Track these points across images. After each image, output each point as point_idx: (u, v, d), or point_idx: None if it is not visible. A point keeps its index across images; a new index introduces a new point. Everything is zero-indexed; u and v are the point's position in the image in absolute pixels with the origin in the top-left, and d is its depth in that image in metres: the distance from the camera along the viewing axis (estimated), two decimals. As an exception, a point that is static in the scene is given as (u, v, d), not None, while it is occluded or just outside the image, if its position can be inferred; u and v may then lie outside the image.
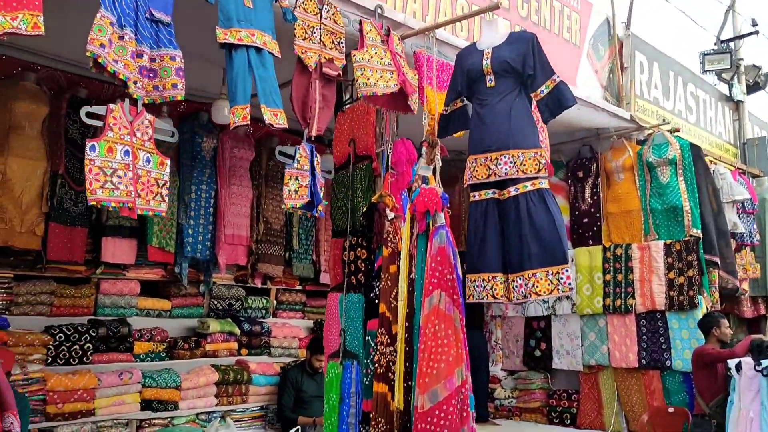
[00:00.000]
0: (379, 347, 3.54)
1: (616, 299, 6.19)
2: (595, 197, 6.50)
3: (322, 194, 3.61)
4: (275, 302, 6.45)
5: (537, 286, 3.55)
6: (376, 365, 3.52)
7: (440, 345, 3.40)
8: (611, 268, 6.27)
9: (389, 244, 3.74)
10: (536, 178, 3.54)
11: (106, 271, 5.20)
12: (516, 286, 3.61)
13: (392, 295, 3.63)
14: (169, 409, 4.94)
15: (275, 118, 3.35)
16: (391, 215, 3.79)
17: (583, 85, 5.56)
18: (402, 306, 3.57)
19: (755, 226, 7.26)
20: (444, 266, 3.51)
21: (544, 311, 6.84)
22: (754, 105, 9.32)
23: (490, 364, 7.28)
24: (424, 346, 3.40)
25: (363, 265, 3.97)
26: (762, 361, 4.47)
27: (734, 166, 7.46)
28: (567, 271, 3.54)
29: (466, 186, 3.92)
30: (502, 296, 3.68)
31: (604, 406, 6.25)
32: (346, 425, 3.75)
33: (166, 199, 3.18)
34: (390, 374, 3.50)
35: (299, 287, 6.57)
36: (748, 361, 4.54)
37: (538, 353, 6.90)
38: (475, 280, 3.84)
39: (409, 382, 3.52)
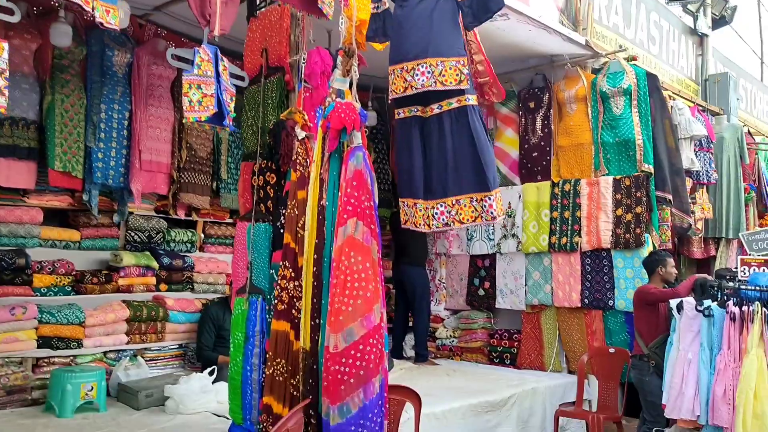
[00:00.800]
0: (280, 281, 3.16)
1: (562, 237, 5.91)
2: (546, 130, 6.12)
3: (232, 105, 3.13)
4: (202, 236, 6.01)
5: (460, 214, 3.19)
6: (277, 301, 3.14)
7: (357, 279, 3.04)
8: (559, 205, 5.97)
9: (298, 167, 3.31)
10: (462, 94, 3.11)
11: (2, 196, 4.68)
12: (436, 214, 3.24)
13: (299, 224, 3.22)
14: (71, 347, 4.54)
15: (106, 15, 2.81)
16: (301, 134, 3.35)
17: (536, 3, 5.07)
18: (310, 236, 3.18)
19: (712, 165, 7.00)
20: (361, 192, 3.12)
21: (489, 249, 6.56)
22: (719, 40, 8.95)
23: (433, 303, 7.03)
24: (338, 281, 3.03)
25: (272, 191, 3.54)
26: (704, 302, 4.24)
27: (694, 102, 7.13)
28: (490, 198, 3.18)
29: (390, 102, 3.49)
30: (422, 224, 3.31)
31: (545, 346, 6.05)
32: (249, 366, 3.41)
33: (6, 92, 2.66)
34: (293, 311, 3.13)
35: (229, 220, 6.14)
36: (689, 301, 4.30)
37: (481, 292, 6.65)
38: (404, 204, 3.46)
39: (317, 320, 3.16)
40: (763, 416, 3.76)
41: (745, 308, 4.05)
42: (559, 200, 5.97)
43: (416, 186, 3.30)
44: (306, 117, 3.37)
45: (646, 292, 4.78)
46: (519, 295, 6.27)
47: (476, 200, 3.16)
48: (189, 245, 5.80)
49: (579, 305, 5.79)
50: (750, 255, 4.89)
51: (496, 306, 6.49)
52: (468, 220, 3.19)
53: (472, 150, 3.12)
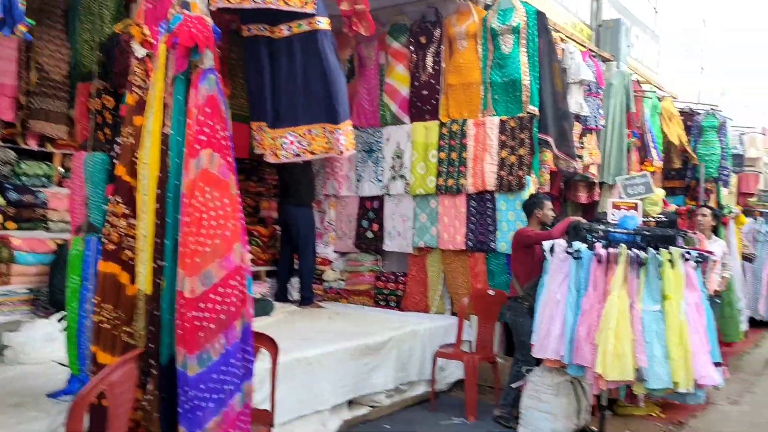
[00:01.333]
0: (110, 218, 2.81)
1: (449, 179, 5.80)
2: (437, 67, 5.91)
3: (23, 7, 2.66)
4: (61, 169, 5.45)
5: (312, 144, 2.94)
6: (105, 240, 2.79)
7: (214, 217, 2.75)
8: (446, 146, 5.84)
9: (135, 89, 2.92)
10: (311, 15, 2.81)
11: None
12: (285, 143, 2.97)
13: (135, 155, 2.86)
14: None
15: None
16: (140, 52, 2.94)
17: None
18: (152, 169, 2.83)
19: (600, 111, 7.07)
20: (215, 120, 2.80)
21: (378, 191, 6.38)
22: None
23: (322, 246, 6.83)
24: (191, 219, 2.72)
25: (110, 116, 3.13)
26: (574, 243, 4.26)
27: (585, 47, 7.12)
28: (339, 131, 2.94)
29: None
30: (269, 152, 3.03)
31: (430, 288, 6.02)
32: (84, 312, 3.07)
33: None
34: (125, 252, 2.80)
35: (93, 153, 5.58)
36: (561, 243, 4.31)
37: (370, 234, 6.51)
38: (253, 128, 3.16)
39: (159, 262, 2.85)
40: (622, 356, 3.84)
41: (611, 250, 4.09)
42: (446, 141, 5.83)
43: (265, 109, 3.02)
44: (147, 32, 2.96)
45: (522, 234, 4.76)
46: (406, 238, 6.18)
47: (328, 131, 2.91)
48: (45, 179, 5.24)
49: (463, 248, 5.76)
50: (622, 198, 4.97)
51: (384, 248, 6.38)
52: (320, 151, 2.95)
53: (322, 78, 2.87)
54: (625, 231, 4.29)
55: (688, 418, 5.01)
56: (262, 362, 3.25)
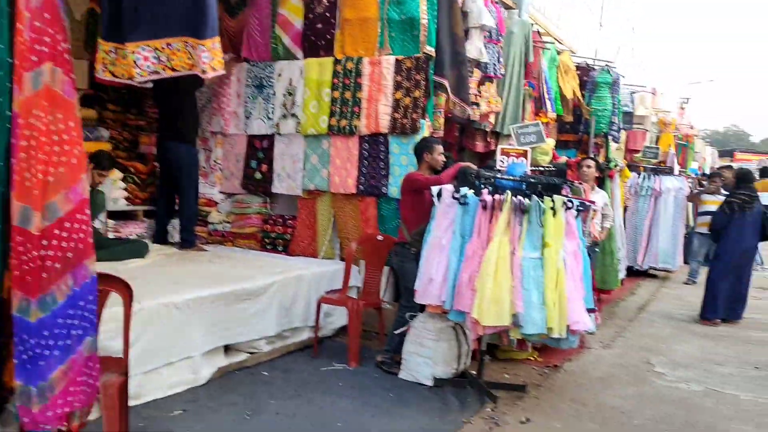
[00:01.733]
0: None
1: (342, 119, 5.56)
2: (333, -1, 5.57)
3: None
4: None
5: (172, 60, 2.60)
6: None
7: (58, 142, 2.36)
8: (341, 84, 5.56)
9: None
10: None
11: None
12: (139, 59, 2.61)
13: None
14: None
15: None
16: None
17: None
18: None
19: (500, 59, 7.01)
20: (55, 29, 2.37)
21: (268, 129, 6.04)
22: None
23: (208, 186, 6.44)
24: (29, 144, 2.32)
25: None
26: (461, 189, 4.18)
27: (489, -8, 6.97)
28: (204, 48, 2.62)
29: None
30: (123, 75, 2.67)
31: (319, 233, 5.83)
32: None
33: None
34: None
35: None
36: (448, 188, 4.22)
37: (258, 176, 6.19)
38: (102, 48, 2.76)
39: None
40: (500, 302, 3.84)
41: (497, 197, 4.04)
42: (341, 79, 5.55)
43: (118, 23, 2.62)
44: None
45: (410, 178, 4.64)
46: (296, 180, 5.91)
47: (191, 45, 2.58)
48: None
49: (354, 192, 5.58)
50: (512, 145, 4.94)
51: (273, 190, 6.09)
52: (182, 67, 2.62)
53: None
54: (512, 178, 4.25)
55: (563, 362, 5.19)
56: (118, 307, 2.95)
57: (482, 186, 4.22)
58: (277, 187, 6.02)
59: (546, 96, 7.77)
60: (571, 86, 8.74)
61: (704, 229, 9.04)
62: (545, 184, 4.22)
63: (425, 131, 5.29)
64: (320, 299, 4.93)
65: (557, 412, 4.08)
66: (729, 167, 10.04)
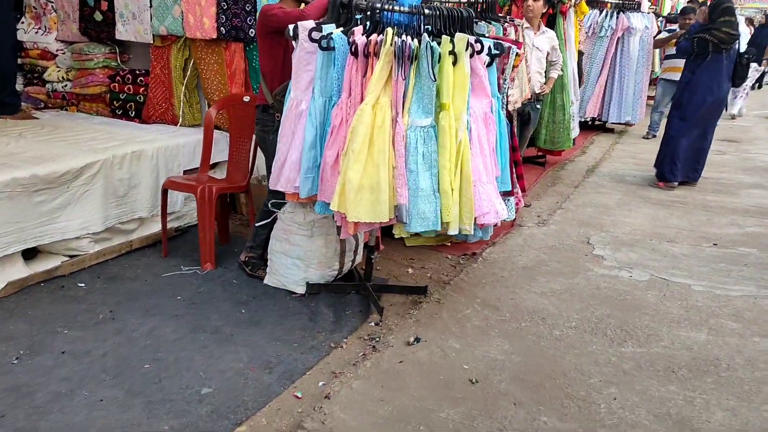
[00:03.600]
0: None
1: (189, -68, 4.01)
2: None
3: None
4: None
5: None
6: None
7: None
8: None
9: None
10: None
11: None
12: None
13: None
14: None
15: None
16: None
17: None
18: None
19: None
20: None
21: (101, -50, 4.45)
22: None
23: (42, 33, 4.94)
24: None
25: None
26: (325, 27, 2.88)
27: None
28: None
29: None
30: None
31: (175, 93, 4.50)
32: None
33: None
34: None
35: None
36: (306, 26, 2.91)
37: (99, 16, 4.70)
38: None
39: None
40: (375, 189, 2.72)
41: (374, 38, 2.76)
42: None
43: None
44: None
45: (266, 14, 3.27)
46: (143, 21, 4.45)
47: None
48: None
49: (215, 36, 4.18)
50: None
51: (117, 36, 4.63)
52: None
53: None
54: (401, 10, 2.93)
55: (484, 247, 4.23)
56: None
57: (357, 22, 2.92)
58: (122, 32, 4.57)
59: None
60: None
61: (670, 75, 7.89)
62: (450, 16, 2.94)
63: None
64: (165, 183, 3.75)
65: (459, 324, 3.14)
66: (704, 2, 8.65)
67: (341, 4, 2.96)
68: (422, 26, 2.91)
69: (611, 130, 9.15)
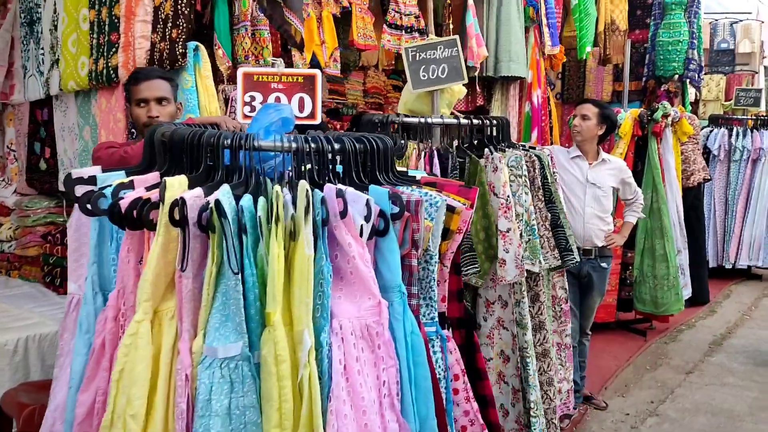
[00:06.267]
0: None
1: (100, 58, 3.18)
2: None
3: None
4: None
5: None
6: None
7: None
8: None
9: None
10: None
11: None
12: None
13: None
14: None
15: None
16: None
17: None
18: None
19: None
20: None
21: (42, 90, 3.77)
22: None
23: (2, 186, 4.35)
24: None
25: None
26: (105, 176, 1.71)
27: None
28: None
29: None
30: None
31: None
32: None
33: None
34: None
35: None
36: (87, 173, 1.76)
37: (43, 165, 3.99)
38: None
39: None
40: None
41: (153, 194, 1.52)
42: (98, -12, 3.19)
43: None
44: None
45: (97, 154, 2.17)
46: (76, 167, 3.62)
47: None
48: None
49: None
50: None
51: (59, 186, 3.84)
52: None
53: None
54: (261, 146, 1.67)
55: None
56: None
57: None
58: (62, 181, 3.77)
59: (545, 21, 4.84)
60: (608, 9, 5.77)
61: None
62: (340, 151, 1.65)
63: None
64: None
65: None
66: None
67: (162, 142, 1.78)
68: (301, 168, 1.64)
69: (758, 277, 6.98)
